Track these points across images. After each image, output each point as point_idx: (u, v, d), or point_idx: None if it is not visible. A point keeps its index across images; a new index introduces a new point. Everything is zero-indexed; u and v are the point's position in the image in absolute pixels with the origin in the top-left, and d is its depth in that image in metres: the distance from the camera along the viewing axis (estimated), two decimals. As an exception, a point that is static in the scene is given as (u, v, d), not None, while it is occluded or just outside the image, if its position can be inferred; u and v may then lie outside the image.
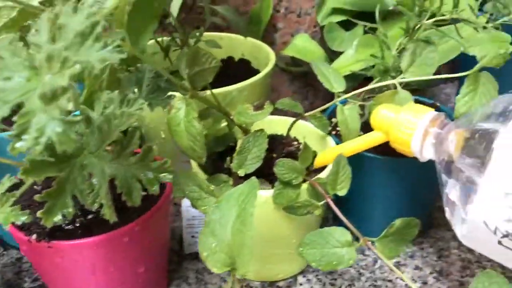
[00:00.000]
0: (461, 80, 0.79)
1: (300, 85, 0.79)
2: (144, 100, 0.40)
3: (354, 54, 0.63)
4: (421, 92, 0.69)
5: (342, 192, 0.42)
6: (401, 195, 0.51)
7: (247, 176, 0.45)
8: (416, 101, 0.55)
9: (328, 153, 0.44)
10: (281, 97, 0.79)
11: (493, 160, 0.33)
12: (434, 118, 0.39)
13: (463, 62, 0.58)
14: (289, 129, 0.50)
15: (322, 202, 0.42)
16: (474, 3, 0.49)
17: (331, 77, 0.46)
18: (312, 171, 0.46)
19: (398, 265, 0.53)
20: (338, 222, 0.58)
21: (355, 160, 0.48)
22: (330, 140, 0.49)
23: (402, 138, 0.39)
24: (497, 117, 0.35)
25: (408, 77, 0.44)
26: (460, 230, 0.37)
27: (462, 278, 0.51)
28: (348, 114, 0.44)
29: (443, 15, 0.49)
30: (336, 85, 0.46)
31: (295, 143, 0.53)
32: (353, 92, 0.46)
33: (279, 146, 0.51)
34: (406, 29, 0.49)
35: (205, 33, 0.66)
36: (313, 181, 0.43)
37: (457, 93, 0.79)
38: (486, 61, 0.43)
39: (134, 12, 0.35)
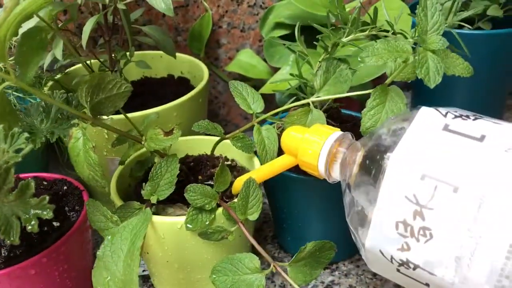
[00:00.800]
0: (414, 87, 0.78)
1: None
2: (48, 129, 0.40)
3: (290, 70, 0.62)
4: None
5: (253, 216, 0.41)
6: (333, 212, 0.51)
7: (167, 202, 0.45)
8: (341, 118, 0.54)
9: (242, 179, 0.43)
10: (232, 112, 0.78)
11: (382, 188, 0.32)
12: (340, 138, 0.38)
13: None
14: (213, 150, 0.49)
15: (234, 228, 0.41)
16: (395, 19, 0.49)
17: (249, 98, 0.45)
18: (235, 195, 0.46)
19: (332, 284, 0.52)
20: (277, 241, 0.58)
21: (287, 181, 0.48)
22: (257, 160, 0.49)
23: (308, 160, 0.38)
24: (392, 135, 0.35)
25: (322, 96, 0.44)
26: (363, 255, 0.36)
27: (394, 296, 0.51)
28: (265, 135, 0.43)
29: (363, 31, 0.49)
30: (255, 105, 0.45)
31: (227, 162, 0.53)
32: (271, 112, 0.45)
33: (205, 167, 0.51)
34: (325, 46, 0.48)
35: (145, 52, 0.66)
36: (226, 206, 0.42)
37: (413, 99, 0.79)
38: (395, 75, 0.42)
39: (22, 44, 0.34)
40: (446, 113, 0.33)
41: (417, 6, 0.38)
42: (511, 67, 0.73)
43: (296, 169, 0.42)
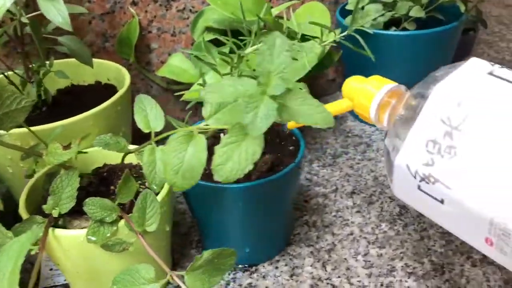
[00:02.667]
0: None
1: (188, 102, 0.79)
2: None
3: (213, 76, 0.63)
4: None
5: (151, 228, 0.42)
6: (250, 218, 0.52)
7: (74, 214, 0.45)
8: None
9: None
10: (168, 115, 0.79)
11: (422, 113, 0.36)
12: (393, 90, 0.42)
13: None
14: (122, 159, 0.49)
15: (133, 240, 0.42)
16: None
17: (151, 114, 0.46)
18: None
19: (249, 286, 0.53)
20: (201, 246, 0.58)
21: (202, 189, 0.48)
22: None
23: (363, 104, 0.43)
24: (434, 81, 0.38)
25: (211, 124, 0.43)
26: (390, 180, 0.40)
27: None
28: (159, 157, 0.43)
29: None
30: (154, 123, 0.45)
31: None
32: (167, 133, 0.45)
33: (118, 178, 0.51)
34: (230, 60, 0.49)
35: (71, 60, 0.65)
36: (127, 217, 0.43)
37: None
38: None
39: None
40: (494, 64, 0.37)
41: (262, 43, 0.35)
42: (440, 61, 0.75)
43: (210, 177, 0.42)
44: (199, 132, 0.42)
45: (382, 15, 0.72)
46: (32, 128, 0.48)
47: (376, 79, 0.43)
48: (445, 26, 0.67)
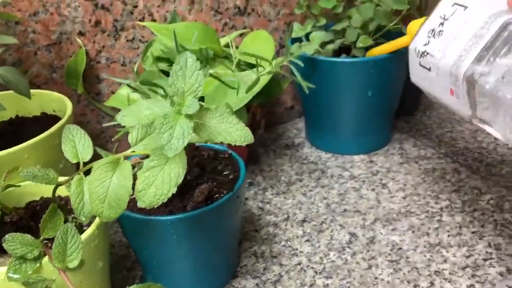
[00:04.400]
0: (305, 116, 0.79)
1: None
2: None
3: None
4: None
5: (73, 264, 0.40)
6: (189, 251, 0.50)
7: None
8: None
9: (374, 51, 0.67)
10: (122, 144, 0.77)
11: (432, 14, 0.50)
12: None
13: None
14: (54, 192, 0.48)
15: (55, 277, 0.40)
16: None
17: (80, 144, 0.45)
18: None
19: (191, 322, 0.51)
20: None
21: (134, 223, 0.47)
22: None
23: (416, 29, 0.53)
24: None
25: (137, 151, 0.42)
26: (410, 72, 0.53)
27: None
28: (86, 188, 0.41)
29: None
30: (83, 153, 0.44)
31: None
32: (94, 162, 0.43)
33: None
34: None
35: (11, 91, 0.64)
36: (50, 253, 0.41)
37: (306, 128, 0.81)
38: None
39: None
40: None
41: (174, 64, 0.35)
42: (392, 90, 0.75)
43: (140, 209, 0.41)
44: (125, 159, 0.41)
45: (333, 42, 0.73)
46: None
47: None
48: (391, 53, 0.68)
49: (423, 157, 0.76)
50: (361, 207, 0.66)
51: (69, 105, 0.61)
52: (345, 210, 0.65)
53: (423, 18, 0.57)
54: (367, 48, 0.70)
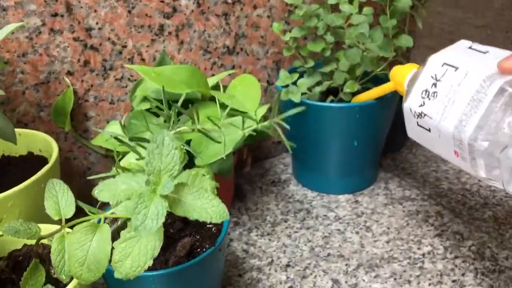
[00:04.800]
0: (292, 154, 0.80)
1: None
2: None
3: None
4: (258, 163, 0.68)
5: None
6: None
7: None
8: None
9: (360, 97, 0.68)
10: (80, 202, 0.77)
11: (422, 73, 0.51)
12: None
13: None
14: (36, 247, 0.48)
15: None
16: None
17: (62, 200, 0.45)
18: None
19: None
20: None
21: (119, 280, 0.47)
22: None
23: (399, 82, 0.58)
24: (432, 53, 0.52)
25: (120, 211, 0.43)
26: (406, 127, 0.54)
27: None
28: (68, 244, 0.42)
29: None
30: (65, 209, 0.44)
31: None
32: (76, 221, 0.44)
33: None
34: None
35: None
36: (29, 314, 0.41)
37: (293, 165, 0.82)
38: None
39: None
40: (474, 43, 0.51)
41: (151, 142, 0.36)
42: (378, 134, 0.76)
43: None
44: (106, 221, 0.42)
45: (320, 84, 0.73)
46: None
47: (411, 65, 0.58)
48: (378, 98, 0.69)
49: (407, 198, 0.76)
50: (345, 251, 0.66)
51: (55, 147, 0.61)
52: (328, 255, 0.66)
53: (407, 65, 0.58)
54: (353, 93, 0.71)
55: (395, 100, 0.73)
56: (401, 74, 0.58)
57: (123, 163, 0.61)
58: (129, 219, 0.48)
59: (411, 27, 0.73)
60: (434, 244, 0.67)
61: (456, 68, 0.48)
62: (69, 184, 0.70)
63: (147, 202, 0.34)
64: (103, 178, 0.50)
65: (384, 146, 0.80)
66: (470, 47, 0.50)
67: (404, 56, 0.75)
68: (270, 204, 0.77)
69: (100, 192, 0.35)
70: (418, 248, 0.66)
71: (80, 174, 0.75)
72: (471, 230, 0.69)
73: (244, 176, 0.84)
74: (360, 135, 0.72)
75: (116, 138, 0.51)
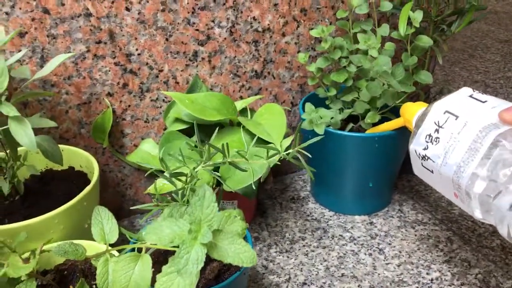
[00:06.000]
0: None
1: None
2: None
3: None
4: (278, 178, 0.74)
5: None
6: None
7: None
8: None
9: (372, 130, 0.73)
10: (139, 192, 0.83)
11: (427, 117, 0.56)
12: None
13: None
14: (82, 267, 0.54)
15: None
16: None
17: (107, 226, 0.50)
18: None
19: None
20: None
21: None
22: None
23: (408, 120, 0.63)
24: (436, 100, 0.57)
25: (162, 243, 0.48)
26: (413, 166, 0.59)
27: None
28: (112, 268, 0.47)
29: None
30: (109, 235, 0.49)
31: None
32: (120, 247, 0.49)
33: (76, 277, 0.55)
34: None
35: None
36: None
37: (311, 184, 0.86)
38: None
39: None
40: (475, 90, 0.55)
41: (194, 195, 0.41)
42: (394, 161, 0.80)
43: None
44: (147, 251, 0.47)
45: (342, 111, 0.78)
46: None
47: (420, 104, 0.62)
48: (397, 129, 0.73)
49: (420, 222, 0.81)
50: (358, 272, 0.71)
51: (96, 167, 0.66)
52: (343, 275, 0.71)
53: (416, 103, 0.63)
54: (374, 123, 0.75)
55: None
56: (410, 112, 0.62)
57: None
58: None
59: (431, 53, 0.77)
60: (442, 270, 0.71)
61: (457, 117, 0.52)
62: (103, 193, 0.76)
63: (189, 248, 0.39)
64: (143, 211, 0.55)
65: (400, 168, 0.84)
66: (471, 96, 0.54)
67: (425, 89, 0.78)
68: (289, 221, 0.82)
69: (147, 235, 0.40)
70: (427, 273, 0.71)
71: (114, 185, 0.81)
72: (479, 258, 0.73)
73: (266, 190, 0.89)
74: (377, 163, 0.76)
75: (157, 172, 0.56)
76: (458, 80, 1.35)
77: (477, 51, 1.56)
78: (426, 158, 0.54)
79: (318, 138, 0.55)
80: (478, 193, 0.48)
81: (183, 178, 0.53)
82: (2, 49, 0.64)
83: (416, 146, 0.56)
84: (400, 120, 0.67)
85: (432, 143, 0.54)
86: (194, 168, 0.52)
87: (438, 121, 0.54)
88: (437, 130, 0.54)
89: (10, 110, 0.49)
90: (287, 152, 0.60)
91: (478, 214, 0.50)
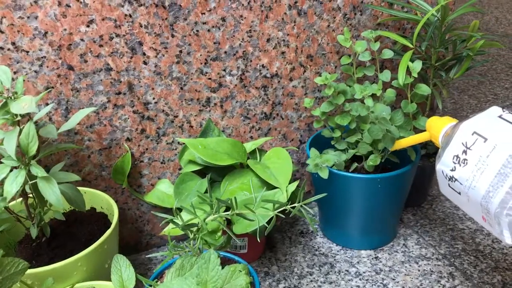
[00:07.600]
0: (319, 209, 0.88)
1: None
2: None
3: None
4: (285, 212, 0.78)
5: None
6: None
7: None
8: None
9: (400, 142, 0.72)
10: (156, 227, 0.88)
11: (454, 138, 0.56)
12: (452, 126, 0.61)
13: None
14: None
15: None
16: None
17: (125, 273, 0.55)
18: None
19: None
20: None
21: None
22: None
23: (434, 135, 0.64)
24: (464, 120, 0.57)
25: None
26: (439, 185, 0.60)
27: None
28: None
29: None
30: (127, 282, 0.55)
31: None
32: None
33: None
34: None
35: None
36: None
37: (319, 219, 0.89)
38: None
39: None
40: (504, 110, 0.55)
41: (200, 258, 0.46)
42: (398, 199, 0.84)
43: None
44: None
45: (346, 151, 0.82)
46: (28, 272, 0.58)
47: (447, 119, 0.63)
48: (398, 170, 0.77)
49: (423, 257, 0.84)
50: (362, 308, 0.75)
51: (115, 209, 0.72)
52: (347, 311, 0.74)
53: (444, 118, 0.63)
54: (376, 166, 0.79)
55: (414, 171, 0.81)
56: (437, 127, 0.63)
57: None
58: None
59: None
60: (443, 306, 0.74)
61: (485, 139, 0.51)
62: (122, 228, 0.81)
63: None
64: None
65: (406, 200, 0.87)
66: (500, 116, 0.54)
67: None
68: (298, 256, 0.86)
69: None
70: (429, 309, 0.74)
71: (132, 221, 0.86)
72: (479, 294, 0.76)
73: (275, 224, 0.93)
74: (381, 202, 0.80)
75: (171, 221, 0.61)
76: (466, 109, 1.37)
77: (486, 77, 1.59)
78: (454, 179, 0.54)
79: (323, 195, 0.59)
80: (508, 220, 0.48)
81: (195, 229, 0.58)
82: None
83: (443, 166, 0.56)
84: (426, 134, 0.67)
85: (460, 165, 0.53)
86: (204, 220, 0.57)
87: (466, 142, 0.53)
88: (465, 152, 0.53)
89: (39, 171, 0.54)
90: (292, 205, 0.65)
91: (508, 240, 0.50)
